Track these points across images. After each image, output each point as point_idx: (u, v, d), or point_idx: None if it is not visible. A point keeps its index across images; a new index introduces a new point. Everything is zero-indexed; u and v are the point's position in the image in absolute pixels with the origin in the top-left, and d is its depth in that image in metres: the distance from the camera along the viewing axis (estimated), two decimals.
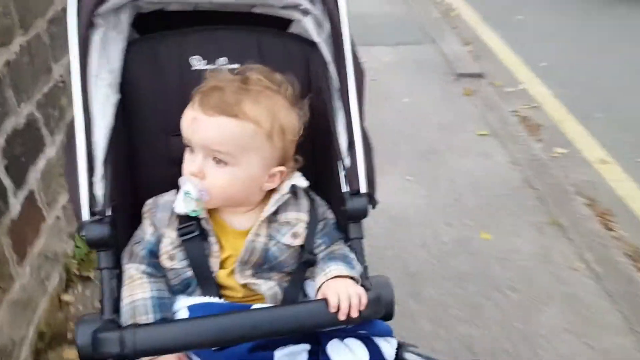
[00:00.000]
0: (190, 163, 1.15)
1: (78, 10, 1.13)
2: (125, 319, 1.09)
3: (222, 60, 1.29)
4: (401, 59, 4.67)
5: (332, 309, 1.02)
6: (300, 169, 1.25)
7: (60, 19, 2.23)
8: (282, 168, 1.18)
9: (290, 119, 1.18)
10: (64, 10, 1.27)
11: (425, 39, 5.08)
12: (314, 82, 1.30)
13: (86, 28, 1.13)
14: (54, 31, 2.18)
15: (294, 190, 1.22)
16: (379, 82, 4.06)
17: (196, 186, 1.12)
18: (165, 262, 1.15)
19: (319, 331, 1.12)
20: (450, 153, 3.37)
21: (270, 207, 1.18)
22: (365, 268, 1.20)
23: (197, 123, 1.13)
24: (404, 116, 3.80)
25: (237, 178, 1.14)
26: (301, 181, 1.22)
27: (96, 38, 1.16)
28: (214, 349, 1.06)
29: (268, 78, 1.18)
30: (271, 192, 1.21)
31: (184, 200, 1.13)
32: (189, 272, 1.15)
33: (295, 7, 1.26)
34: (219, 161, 1.13)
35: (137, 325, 1.02)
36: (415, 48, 4.89)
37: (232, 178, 1.13)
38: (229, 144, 1.11)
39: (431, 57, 4.69)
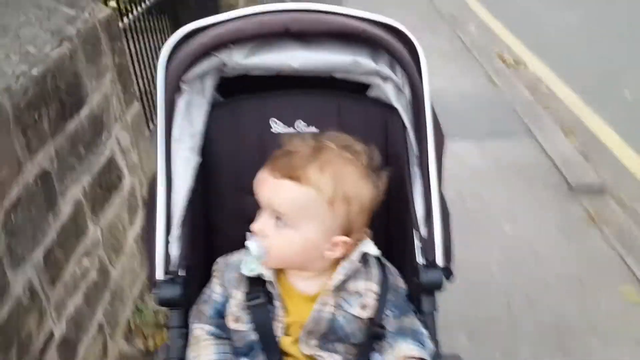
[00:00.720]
0: (256, 222, 1.16)
1: (165, 76, 1.18)
2: None
3: (301, 124, 1.31)
4: (493, 162, 3.44)
5: None
6: (373, 236, 1.22)
7: None
8: (345, 238, 1.14)
9: (359, 189, 1.14)
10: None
11: (517, 126, 3.85)
12: (392, 147, 1.28)
13: (172, 93, 1.18)
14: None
15: (364, 258, 1.19)
16: (463, 197, 2.97)
17: (257, 244, 1.13)
18: (231, 323, 1.16)
19: None
20: (596, 339, 2.13)
21: (338, 276, 1.15)
22: (436, 344, 1.15)
23: (262, 183, 1.16)
24: (508, 259, 2.57)
25: (294, 241, 1.13)
26: (372, 249, 1.19)
27: (181, 103, 1.21)
28: None
29: (346, 147, 1.16)
30: (340, 259, 1.17)
31: (245, 257, 1.16)
32: (253, 336, 1.14)
33: (376, 73, 1.25)
34: (283, 223, 1.13)
35: None
36: (508, 143, 3.65)
37: (289, 241, 1.13)
38: (288, 207, 1.12)
39: (531, 158, 3.48)
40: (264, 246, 1.13)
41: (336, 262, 1.17)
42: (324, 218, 1.13)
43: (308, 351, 1.13)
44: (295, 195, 1.12)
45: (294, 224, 1.13)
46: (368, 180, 1.16)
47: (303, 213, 1.12)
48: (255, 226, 1.16)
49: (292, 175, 1.12)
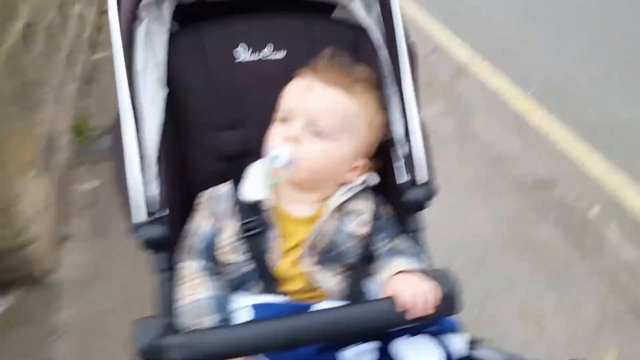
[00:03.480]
0: (286, 129, 1.12)
1: (118, 3, 1.09)
2: (188, 319, 1.06)
3: (268, 47, 1.26)
4: None
5: (402, 308, 0.97)
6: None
7: None
8: (365, 162, 1.18)
9: (382, 119, 1.19)
10: None
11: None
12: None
13: (130, 22, 1.10)
14: None
15: (364, 185, 1.19)
16: None
17: (289, 151, 1.09)
18: (227, 255, 1.13)
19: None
20: None
21: (342, 195, 1.15)
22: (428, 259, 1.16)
23: (310, 91, 1.12)
24: None
25: (330, 153, 1.12)
26: (373, 178, 1.21)
27: (140, 31, 1.13)
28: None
29: (368, 79, 1.18)
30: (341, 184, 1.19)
31: (268, 166, 1.11)
32: (251, 266, 1.12)
33: None
34: (318, 133, 1.11)
35: (203, 331, 0.99)
36: None
37: (326, 152, 1.12)
38: (336, 117, 1.11)
39: None
40: (297, 155, 1.09)
41: (337, 188, 1.17)
42: (361, 136, 1.15)
43: (308, 269, 1.11)
44: (347, 106, 1.13)
45: (334, 136, 1.11)
46: (384, 114, 1.19)
47: (347, 125, 1.12)
48: (286, 134, 1.11)
49: (345, 87, 1.12)
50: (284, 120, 1.14)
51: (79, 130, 3.10)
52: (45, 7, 2.87)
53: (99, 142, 3.10)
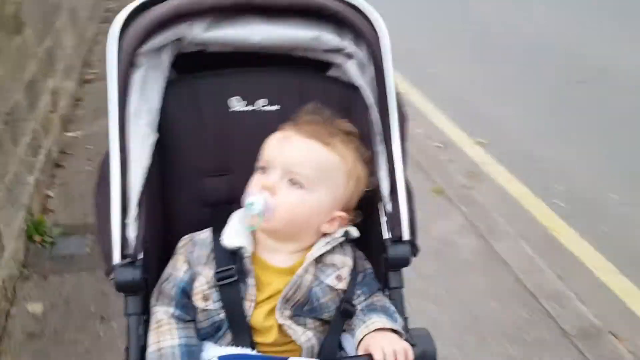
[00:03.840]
0: (263, 179, 1.14)
1: (119, 49, 1.12)
2: None
3: (262, 101, 1.28)
4: None
5: None
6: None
7: None
8: (343, 214, 1.18)
9: (363, 172, 1.21)
10: None
11: None
12: (356, 126, 1.26)
13: (127, 67, 1.12)
14: None
15: (344, 239, 1.19)
16: None
17: (264, 200, 1.10)
18: (199, 302, 1.11)
19: None
20: None
21: (321, 247, 1.15)
22: (405, 320, 1.15)
23: (287, 141, 1.15)
24: None
25: (305, 203, 1.13)
26: (354, 231, 1.21)
27: (137, 77, 1.15)
28: None
29: (351, 133, 1.22)
30: (322, 235, 1.19)
31: (244, 213, 1.13)
32: (222, 315, 1.10)
33: (339, 50, 1.25)
34: (294, 183, 1.13)
35: None
36: None
37: (301, 201, 1.13)
38: (312, 168, 1.13)
39: None
40: (271, 203, 1.11)
41: (316, 239, 1.18)
42: (338, 188, 1.16)
43: (282, 320, 1.10)
44: (323, 158, 1.15)
45: (310, 186, 1.13)
46: (367, 167, 1.21)
47: (324, 177, 1.14)
48: (264, 182, 1.13)
49: (322, 140, 1.15)
50: (263, 169, 1.16)
51: (34, 230, 2.64)
52: (7, 90, 2.56)
53: (56, 247, 2.62)
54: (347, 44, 1.23)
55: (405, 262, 1.17)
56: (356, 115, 1.28)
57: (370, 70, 1.23)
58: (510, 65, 5.21)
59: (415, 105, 4.46)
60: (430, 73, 5.06)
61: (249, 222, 1.12)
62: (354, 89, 1.28)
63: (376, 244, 1.21)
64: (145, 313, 1.11)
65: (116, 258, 1.07)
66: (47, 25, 3.49)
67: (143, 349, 1.07)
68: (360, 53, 1.24)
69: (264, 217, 1.10)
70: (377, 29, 1.20)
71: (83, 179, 3.07)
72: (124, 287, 1.07)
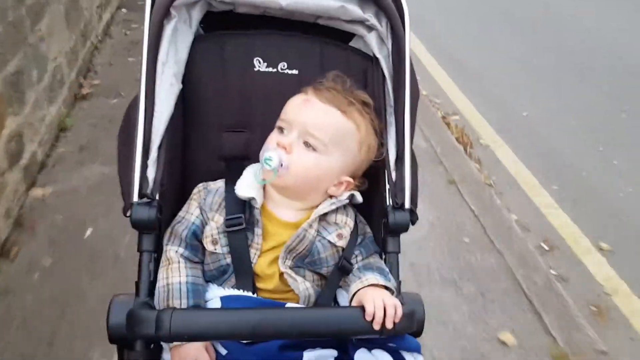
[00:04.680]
0: (281, 137, 1.20)
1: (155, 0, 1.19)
2: (159, 300, 1.11)
3: (283, 65, 1.33)
4: None
5: (368, 317, 1.02)
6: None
7: None
8: (350, 179, 1.24)
9: (374, 142, 1.27)
10: None
11: None
12: (369, 95, 1.31)
13: (161, 17, 1.18)
14: None
15: (348, 201, 1.25)
16: None
17: (279, 156, 1.16)
18: (208, 245, 1.18)
19: (349, 339, 1.11)
20: None
21: (327, 206, 1.21)
22: (399, 283, 1.21)
23: (308, 104, 1.21)
24: None
25: (318, 165, 1.19)
26: (358, 196, 1.26)
27: (168, 28, 1.21)
28: (244, 342, 1.06)
29: (366, 103, 1.27)
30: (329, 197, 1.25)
31: (260, 166, 1.19)
32: (228, 259, 1.17)
33: (362, 22, 1.29)
34: (308, 145, 1.19)
35: (173, 309, 1.00)
36: None
37: (314, 163, 1.19)
38: (327, 132, 1.19)
39: None
40: (285, 160, 1.16)
41: (322, 199, 1.24)
42: (350, 154, 1.22)
43: (284, 268, 1.17)
44: (338, 123, 1.20)
45: (324, 150, 1.19)
46: (377, 138, 1.26)
47: (338, 142, 1.20)
48: (280, 140, 1.18)
49: (340, 107, 1.21)
50: (282, 129, 1.22)
51: None
52: None
53: None
54: (369, 17, 1.28)
55: (404, 228, 1.23)
56: (372, 86, 1.33)
57: (389, 44, 1.28)
58: None
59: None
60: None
61: (263, 176, 1.19)
62: (372, 60, 1.33)
63: (378, 210, 1.27)
64: (156, 251, 1.17)
65: (134, 196, 1.13)
66: (21, 28, 2.69)
67: (152, 283, 1.14)
68: (381, 27, 1.28)
69: (277, 172, 1.16)
70: (398, 5, 1.26)
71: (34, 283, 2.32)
72: (139, 225, 1.13)
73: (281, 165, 1.15)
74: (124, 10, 5.19)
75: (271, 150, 1.17)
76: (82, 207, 2.72)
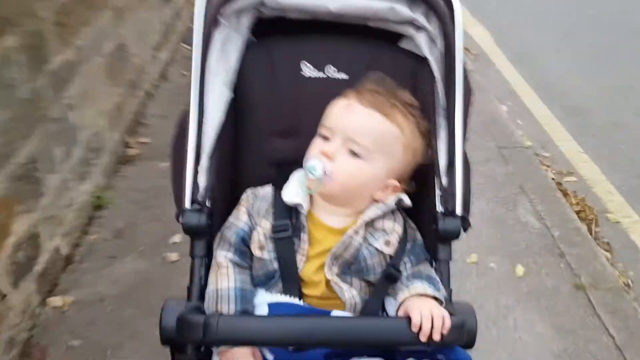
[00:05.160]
0: (324, 145, 1.20)
1: (206, 9, 1.21)
2: (208, 305, 1.14)
3: (331, 68, 1.34)
4: None
5: (414, 328, 1.01)
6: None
7: None
8: (397, 183, 1.23)
9: (420, 145, 1.25)
10: None
11: None
12: (419, 97, 1.29)
13: (210, 26, 1.21)
14: None
15: (396, 206, 1.24)
16: None
17: (324, 165, 1.17)
18: (255, 250, 1.19)
19: (396, 348, 1.11)
20: None
21: (374, 211, 1.21)
22: (450, 292, 1.19)
23: (350, 109, 1.20)
24: None
25: (362, 172, 1.19)
26: (406, 199, 1.25)
27: (218, 37, 1.23)
28: (291, 349, 1.07)
29: (411, 105, 1.24)
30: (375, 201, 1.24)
31: (305, 175, 1.20)
32: (275, 265, 1.18)
33: (411, 22, 1.28)
34: (352, 153, 1.18)
35: (221, 314, 1.07)
36: None
37: (358, 170, 1.18)
38: (371, 138, 1.18)
39: None
40: (329, 169, 1.17)
41: (369, 204, 1.23)
42: (394, 158, 1.21)
43: (330, 276, 1.17)
44: (383, 128, 1.19)
45: (367, 156, 1.18)
46: (424, 140, 1.24)
47: (381, 147, 1.19)
48: (324, 148, 1.19)
49: (382, 110, 1.19)
50: (324, 136, 1.21)
51: None
52: None
53: None
54: (418, 16, 1.25)
55: (455, 235, 1.20)
56: (422, 87, 1.31)
57: (439, 44, 1.25)
58: None
59: None
60: None
61: (308, 185, 1.20)
62: (422, 61, 1.31)
63: (428, 216, 1.25)
64: (207, 256, 1.20)
65: (186, 203, 1.17)
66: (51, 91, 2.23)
67: (203, 288, 1.17)
68: (430, 27, 1.25)
69: (322, 181, 1.16)
70: (449, 4, 1.23)
71: None
72: (190, 230, 1.17)
73: (325, 173, 1.16)
74: (186, 46, 4.38)
75: (314, 159, 1.18)
76: (105, 326, 2.18)
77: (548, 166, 3.51)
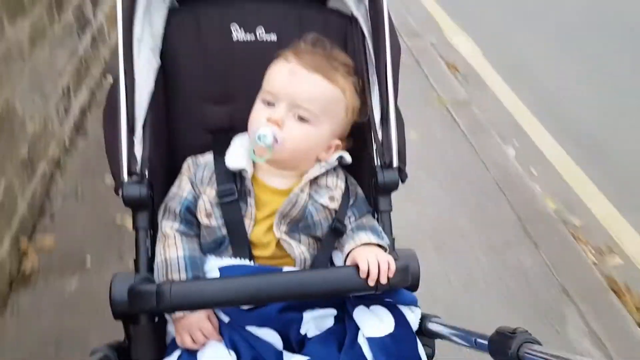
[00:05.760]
0: (270, 112, 1.20)
1: None
2: (158, 275, 1.13)
3: (260, 29, 1.34)
4: None
5: (362, 274, 1.05)
6: None
7: None
8: (339, 142, 1.26)
9: (357, 103, 1.28)
10: None
11: None
12: (351, 55, 1.32)
13: None
14: None
15: (337, 164, 1.27)
16: None
17: (274, 132, 1.17)
18: (202, 219, 1.20)
19: (347, 297, 1.15)
20: None
21: (317, 169, 1.24)
22: (392, 240, 1.24)
23: (294, 76, 1.20)
24: None
25: (310, 137, 1.21)
26: (347, 157, 1.29)
27: (141, 2, 1.21)
28: (245, 308, 1.10)
29: (347, 65, 1.27)
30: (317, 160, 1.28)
31: (252, 144, 1.19)
32: (224, 231, 1.19)
33: None
34: (299, 118, 1.20)
35: (172, 282, 1.06)
36: None
37: (306, 135, 1.20)
38: (317, 103, 1.20)
39: None
40: (279, 137, 1.17)
41: (313, 164, 1.26)
42: (338, 120, 1.24)
43: (279, 235, 1.19)
44: (327, 93, 1.21)
45: (315, 120, 1.20)
46: (361, 98, 1.27)
47: (326, 110, 1.21)
48: (271, 116, 1.18)
49: (326, 74, 1.21)
50: (269, 102, 1.22)
51: None
52: None
53: None
54: None
55: (394, 187, 1.26)
56: (352, 46, 1.34)
57: (366, 1, 1.29)
58: None
59: None
60: None
61: (259, 154, 1.18)
62: (351, 20, 1.34)
63: (367, 170, 1.29)
64: (152, 228, 1.19)
65: (124, 175, 1.14)
66: None
67: (150, 260, 1.16)
68: None
69: (273, 149, 1.16)
70: None
71: None
72: (131, 202, 1.15)
73: (276, 141, 1.16)
74: (109, 78, 3.31)
75: (264, 127, 1.18)
76: None
77: (585, 242, 2.54)
